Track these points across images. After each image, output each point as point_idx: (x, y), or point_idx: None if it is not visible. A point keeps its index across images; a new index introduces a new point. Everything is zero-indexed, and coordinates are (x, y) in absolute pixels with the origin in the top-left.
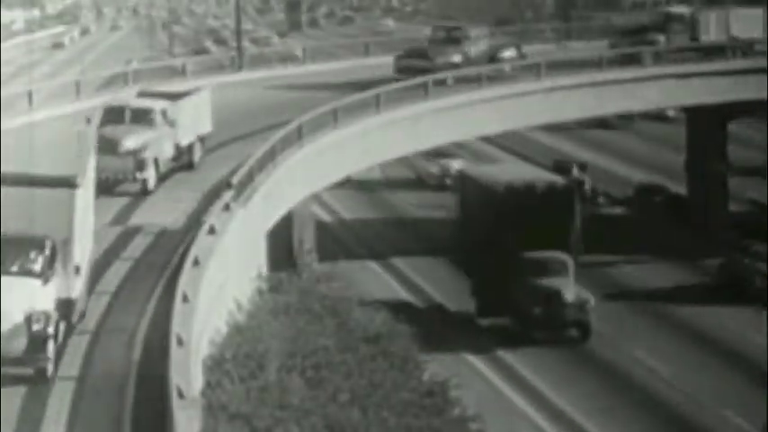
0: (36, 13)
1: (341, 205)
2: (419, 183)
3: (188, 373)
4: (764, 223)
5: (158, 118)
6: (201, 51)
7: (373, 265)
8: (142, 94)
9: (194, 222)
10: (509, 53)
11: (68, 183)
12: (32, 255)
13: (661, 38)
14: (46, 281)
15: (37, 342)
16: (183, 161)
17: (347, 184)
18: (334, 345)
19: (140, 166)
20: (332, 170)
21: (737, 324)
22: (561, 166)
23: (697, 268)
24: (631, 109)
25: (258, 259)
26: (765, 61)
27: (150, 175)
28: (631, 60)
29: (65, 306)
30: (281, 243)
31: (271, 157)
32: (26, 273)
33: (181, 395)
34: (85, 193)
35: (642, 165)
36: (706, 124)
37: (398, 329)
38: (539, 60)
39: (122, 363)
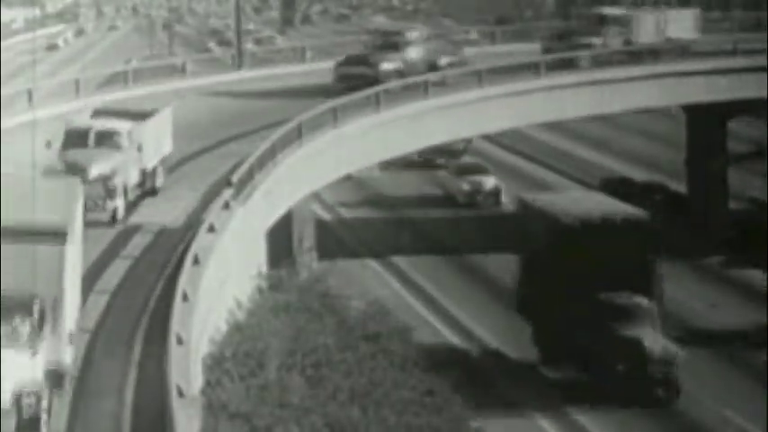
0: (36, 11)
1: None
2: (448, 200)
3: (188, 372)
4: (764, 222)
5: (125, 140)
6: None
7: (373, 264)
8: (99, 113)
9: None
10: (446, 59)
11: (57, 236)
12: (18, 320)
13: (597, 40)
14: (34, 351)
15: (28, 422)
16: (147, 187)
17: (367, 203)
18: (334, 343)
19: (110, 193)
20: (332, 169)
21: None
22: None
23: (697, 267)
24: (632, 107)
25: (258, 257)
26: (765, 60)
27: (120, 203)
28: (567, 65)
29: (55, 376)
30: (281, 241)
31: (271, 155)
32: (12, 343)
33: (180, 394)
34: (75, 247)
35: (643, 163)
36: (706, 122)
37: (448, 384)
38: (480, 67)
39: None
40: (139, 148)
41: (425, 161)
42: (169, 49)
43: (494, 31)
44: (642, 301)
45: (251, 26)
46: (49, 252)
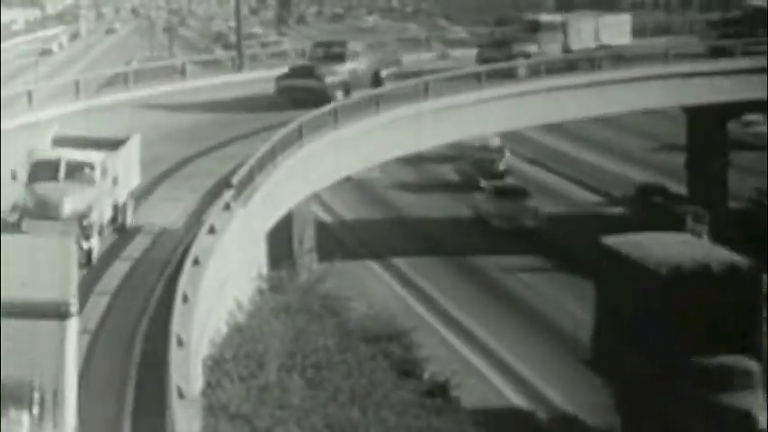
0: (36, 13)
1: (341, 205)
2: (481, 223)
3: (188, 373)
4: (764, 222)
5: (98, 173)
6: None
7: (374, 265)
8: (60, 141)
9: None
10: (390, 70)
11: (60, 311)
12: (14, 413)
13: (533, 48)
14: None
15: None
16: (117, 223)
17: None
18: (335, 344)
19: (85, 233)
20: (332, 170)
21: None
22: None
23: None
24: (632, 109)
25: (258, 259)
26: (765, 61)
27: (95, 243)
28: (505, 75)
29: None
30: (282, 243)
31: (271, 156)
32: None
33: (181, 395)
34: (74, 321)
35: (642, 164)
36: (706, 124)
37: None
38: (427, 79)
39: None
40: (115, 181)
41: (464, 181)
42: (169, 51)
43: (492, 31)
44: (745, 361)
45: (257, 29)
46: (51, 329)
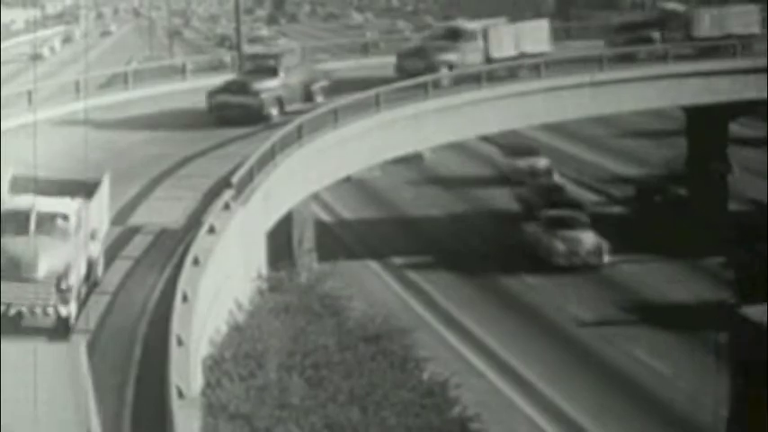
0: (36, 13)
1: (341, 204)
2: (535, 259)
3: (188, 373)
4: (764, 223)
5: (73, 224)
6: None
7: (373, 265)
8: (19, 185)
9: None
10: (320, 84)
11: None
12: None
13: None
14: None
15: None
16: (90, 280)
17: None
18: (334, 344)
19: (63, 296)
20: (332, 170)
21: None
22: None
23: (697, 267)
24: (631, 109)
25: (258, 259)
26: (765, 61)
27: (73, 308)
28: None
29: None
30: (281, 243)
31: (271, 156)
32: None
33: (180, 395)
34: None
35: (642, 163)
36: (706, 124)
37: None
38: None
39: None
40: (93, 235)
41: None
42: (169, 52)
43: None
44: None
45: (264, 32)
46: None
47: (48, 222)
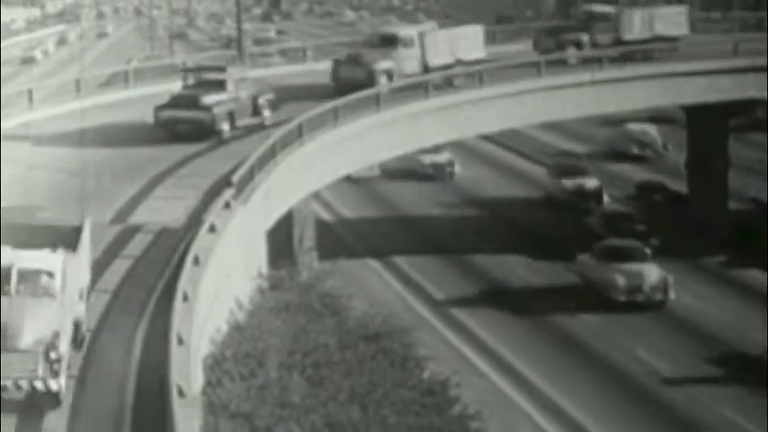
0: (36, 12)
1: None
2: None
3: (188, 372)
4: (764, 222)
5: (58, 282)
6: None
7: (374, 264)
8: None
9: None
10: (266, 97)
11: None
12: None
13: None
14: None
15: (50, 368)
16: (76, 342)
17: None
18: (335, 343)
19: (52, 368)
20: (332, 169)
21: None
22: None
23: (697, 267)
24: (632, 107)
25: (258, 258)
26: (765, 60)
27: (63, 380)
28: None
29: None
30: (282, 241)
31: (271, 155)
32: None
33: (181, 394)
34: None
35: (643, 162)
36: (706, 123)
37: None
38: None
39: None
40: (81, 295)
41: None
42: (169, 49)
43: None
44: None
45: (271, 34)
46: None
47: (31, 281)
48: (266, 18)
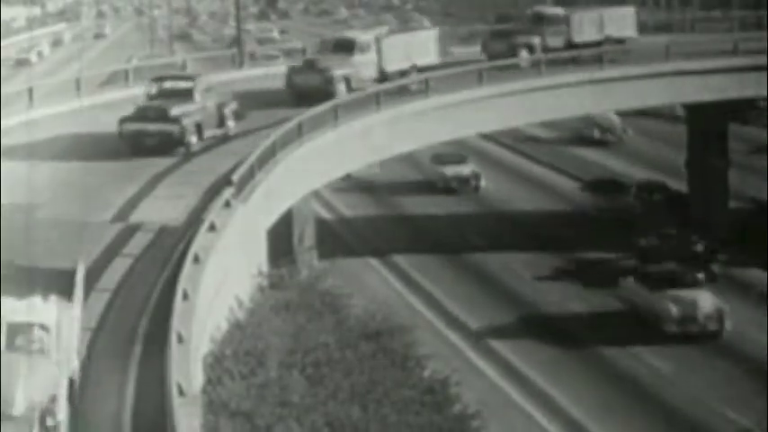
0: (37, 10)
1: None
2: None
3: (188, 371)
4: (764, 222)
5: (53, 336)
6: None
7: (374, 263)
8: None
9: None
10: (231, 107)
11: None
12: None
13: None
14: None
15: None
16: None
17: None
18: (335, 341)
19: None
20: (332, 167)
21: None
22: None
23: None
24: (632, 106)
25: (258, 256)
26: (765, 59)
27: None
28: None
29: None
30: (282, 240)
31: (271, 153)
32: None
33: (181, 392)
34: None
35: (642, 162)
36: (706, 122)
37: None
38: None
39: None
40: (75, 349)
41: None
42: (169, 48)
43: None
44: None
45: (275, 34)
46: None
47: (23, 336)
48: (263, 16)
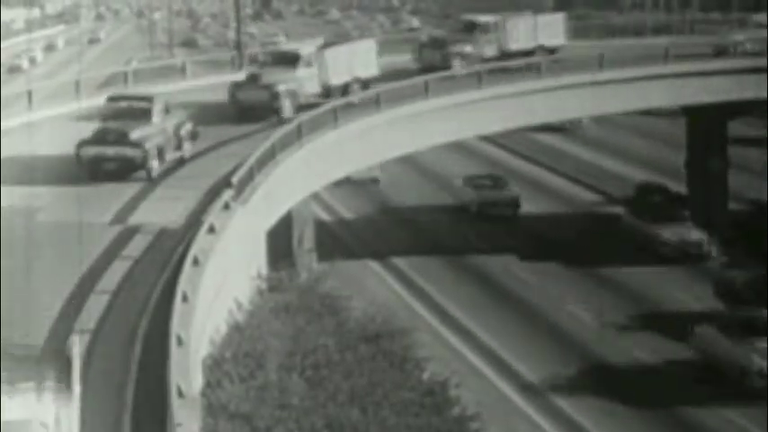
0: (36, 12)
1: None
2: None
3: (188, 373)
4: (764, 223)
5: None
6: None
7: (373, 265)
8: None
9: None
10: (187, 128)
11: None
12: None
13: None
14: None
15: None
16: None
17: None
18: (334, 344)
19: None
20: (332, 169)
21: None
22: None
23: (697, 267)
24: (632, 108)
25: (258, 258)
26: (765, 61)
27: None
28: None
29: None
30: (281, 242)
31: (271, 155)
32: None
33: (180, 394)
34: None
35: (642, 163)
36: (706, 123)
37: None
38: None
39: None
40: None
41: None
42: (169, 49)
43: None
44: None
45: (280, 38)
46: None
47: None
48: (257, 17)
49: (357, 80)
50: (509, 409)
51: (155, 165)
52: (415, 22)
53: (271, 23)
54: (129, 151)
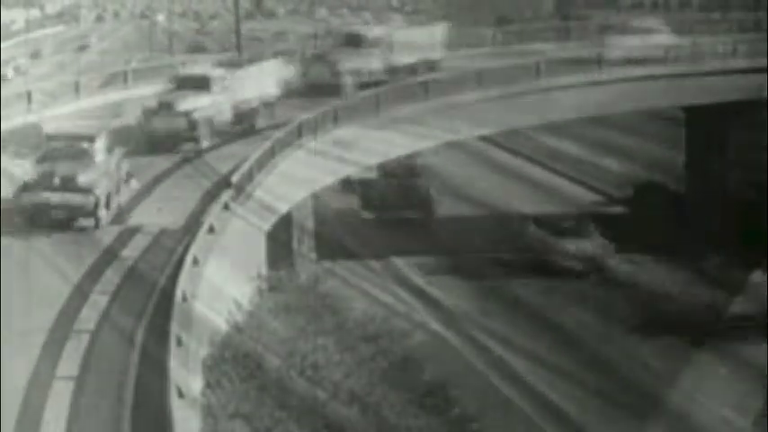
0: (36, 13)
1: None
2: None
3: (187, 373)
4: (764, 223)
5: None
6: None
7: (373, 265)
8: None
9: None
10: (125, 168)
11: None
12: None
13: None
14: None
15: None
16: None
17: None
18: (334, 344)
19: None
20: (331, 170)
21: None
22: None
23: (697, 268)
24: (631, 109)
25: (257, 258)
26: (765, 61)
27: None
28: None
29: None
30: (281, 243)
31: (270, 156)
32: None
33: (180, 395)
34: None
35: (642, 163)
36: (706, 124)
37: None
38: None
39: None
40: None
41: None
42: (169, 49)
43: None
44: None
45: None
46: None
47: None
48: (249, 17)
49: (263, 102)
50: (508, 409)
51: (102, 214)
52: (400, 21)
53: (263, 23)
54: (75, 198)
